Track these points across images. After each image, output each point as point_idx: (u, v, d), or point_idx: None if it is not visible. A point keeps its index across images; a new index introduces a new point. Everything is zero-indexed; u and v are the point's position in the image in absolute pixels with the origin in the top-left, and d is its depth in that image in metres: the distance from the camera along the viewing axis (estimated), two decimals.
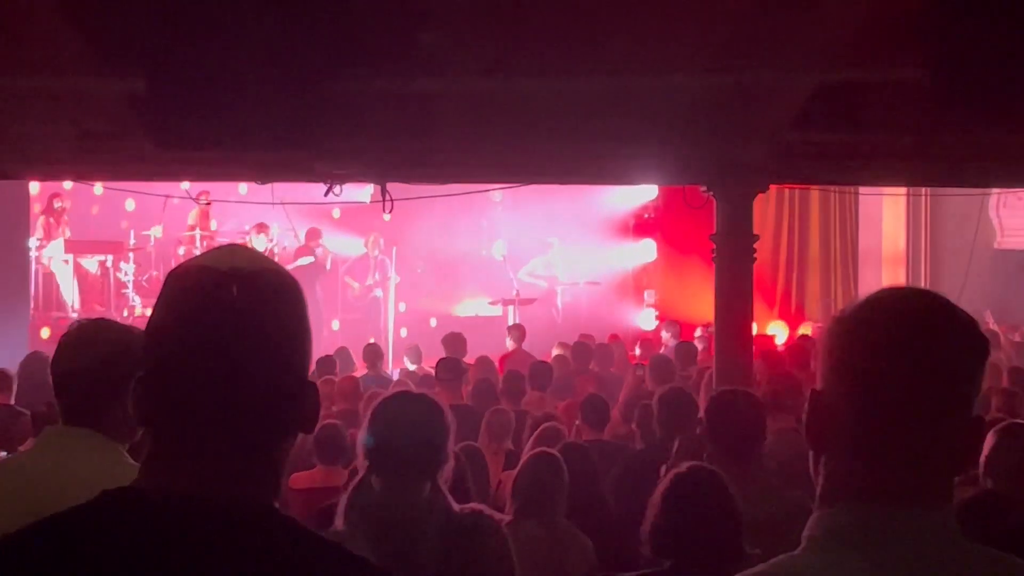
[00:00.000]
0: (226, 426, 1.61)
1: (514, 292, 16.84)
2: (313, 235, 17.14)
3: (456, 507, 3.42)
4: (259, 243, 15.78)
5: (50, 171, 8.82)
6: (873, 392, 1.69)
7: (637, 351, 13.78)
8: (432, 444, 3.43)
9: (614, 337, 15.07)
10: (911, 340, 1.69)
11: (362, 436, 3.51)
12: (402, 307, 17.92)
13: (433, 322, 18.18)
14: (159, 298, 1.68)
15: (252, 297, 1.63)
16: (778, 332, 16.86)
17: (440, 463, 3.44)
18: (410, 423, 3.44)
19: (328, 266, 17.14)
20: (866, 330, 1.73)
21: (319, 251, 17.01)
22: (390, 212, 8.16)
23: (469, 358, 11.98)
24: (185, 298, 1.64)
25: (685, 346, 11.82)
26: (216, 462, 1.61)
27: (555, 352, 12.36)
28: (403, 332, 17.08)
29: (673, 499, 3.79)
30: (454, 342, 12.18)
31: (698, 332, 13.26)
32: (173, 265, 1.77)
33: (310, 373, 1.76)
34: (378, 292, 17.10)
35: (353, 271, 17.85)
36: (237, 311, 1.62)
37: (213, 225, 17.09)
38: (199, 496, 1.58)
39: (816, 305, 18.50)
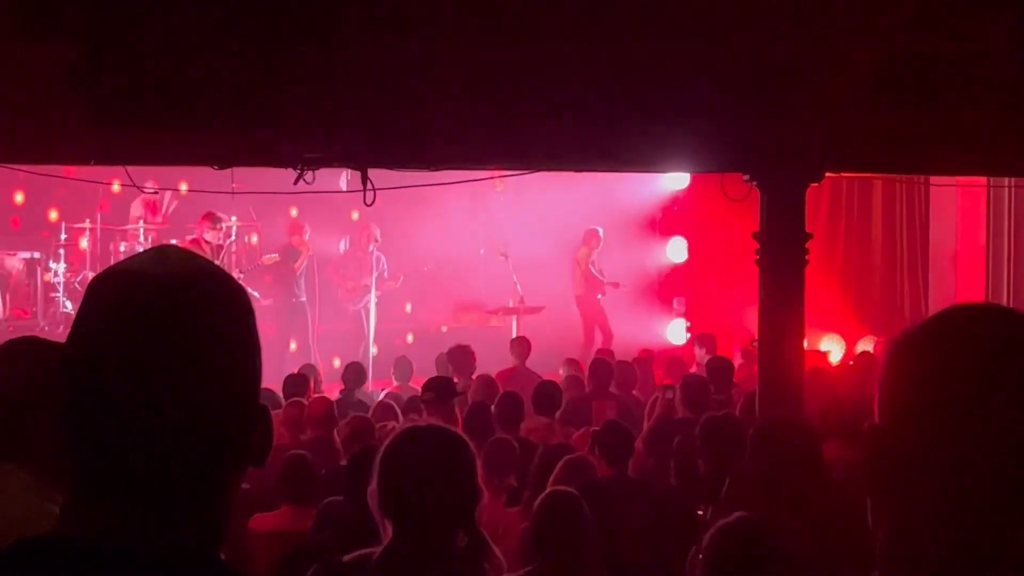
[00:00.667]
0: (158, 461, 1.60)
1: (518, 298, 16.81)
2: (295, 229, 17.08)
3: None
4: (211, 238, 15.75)
5: None
6: (942, 430, 1.66)
7: (664, 370, 13.77)
8: (460, 485, 3.43)
9: (644, 353, 15.04)
10: (988, 370, 1.66)
11: (374, 486, 3.47)
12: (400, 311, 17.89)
13: (409, 337, 18.15)
14: (79, 311, 1.67)
15: (186, 309, 1.62)
16: (833, 348, 16.83)
17: (473, 506, 3.45)
18: (431, 464, 3.43)
19: (301, 265, 17.04)
20: (934, 356, 1.70)
21: (302, 248, 16.94)
22: (371, 203, 8.13)
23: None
24: (106, 312, 1.63)
25: (719, 363, 11.75)
26: (148, 505, 1.60)
27: (561, 373, 12.34)
28: (374, 349, 16.99)
29: (718, 562, 3.75)
30: (461, 358, 12.15)
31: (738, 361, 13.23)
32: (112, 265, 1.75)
33: (262, 394, 1.75)
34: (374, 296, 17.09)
35: (343, 271, 17.70)
36: (167, 325, 1.61)
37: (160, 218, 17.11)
38: (128, 546, 1.57)
39: (879, 316, 18.47)
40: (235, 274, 15.79)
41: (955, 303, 1.82)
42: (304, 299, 16.82)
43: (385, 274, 17.15)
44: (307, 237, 17.17)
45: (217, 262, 15.13)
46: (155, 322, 1.60)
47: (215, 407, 1.63)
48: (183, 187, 14.59)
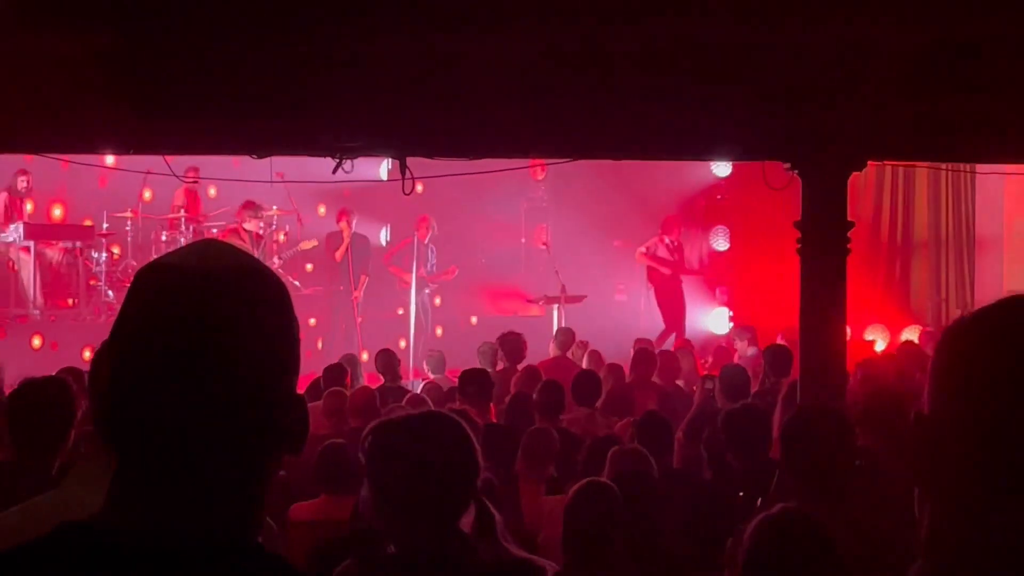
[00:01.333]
0: (197, 449, 1.65)
1: (560, 287, 16.78)
2: (342, 215, 16.99)
3: (501, 553, 3.33)
4: (251, 227, 15.80)
5: (3, 143, 8.86)
6: (995, 420, 1.64)
7: (709, 360, 13.77)
8: (452, 479, 3.30)
9: (682, 343, 15.03)
10: None
11: (366, 492, 3.37)
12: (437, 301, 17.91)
13: (439, 331, 18.13)
14: (124, 303, 1.74)
15: (227, 302, 1.69)
16: (877, 337, 16.75)
17: (464, 504, 3.31)
18: (421, 455, 3.29)
19: (341, 253, 17.01)
20: (988, 345, 1.68)
21: (345, 235, 16.86)
22: (410, 192, 8.16)
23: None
24: (149, 304, 1.70)
25: (777, 350, 11.52)
26: (188, 492, 1.65)
27: (584, 362, 12.33)
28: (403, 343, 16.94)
29: (761, 554, 3.72)
30: (512, 345, 12.15)
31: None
32: (154, 254, 1.82)
33: (304, 384, 1.79)
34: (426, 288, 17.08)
35: (399, 262, 17.61)
36: (209, 318, 1.67)
37: (203, 207, 17.18)
38: (168, 532, 1.62)
39: (924, 305, 18.36)
40: (275, 261, 15.86)
41: (1002, 292, 1.81)
42: (348, 287, 16.74)
43: (433, 268, 17.18)
44: (353, 224, 17.09)
45: (257, 252, 15.25)
46: (197, 315, 1.67)
47: (254, 397, 1.68)
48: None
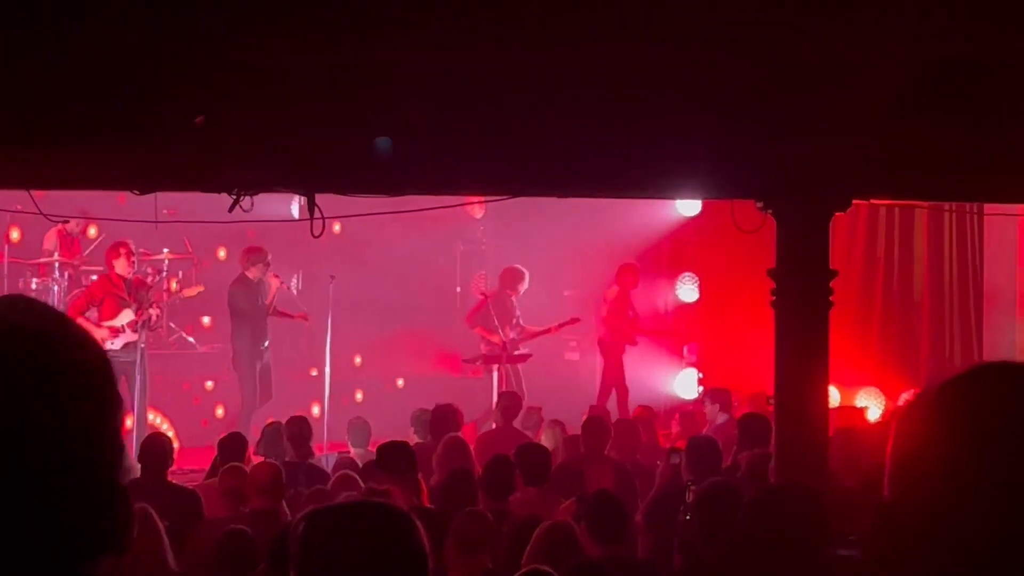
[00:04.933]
0: None
1: (501, 344, 16.73)
2: (251, 256, 16.18)
3: None
4: (123, 271, 15.46)
5: None
6: (957, 506, 1.65)
7: (673, 429, 13.77)
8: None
9: (643, 411, 15.03)
10: (1012, 438, 1.64)
11: None
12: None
13: (359, 395, 17.97)
14: None
15: (17, 370, 1.60)
16: (871, 404, 16.82)
17: None
18: (369, 557, 3.28)
19: (267, 300, 16.43)
20: (951, 421, 1.69)
21: (264, 278, 16.16)
22: (320, 234, 8.13)
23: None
24: None
25: (752, 421, 11.54)
26: None
27: (543, 439, 12.27)
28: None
29: None
30: (443, 419, 12.04)
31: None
32: None
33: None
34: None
35: (484, 320, 17.12)
36: None
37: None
38: None
39: (925, 366, 18.47)
40: (151, 313, 15.58)
41: (1014, 350, 1.82)
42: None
43: (521, 321, 17.01)
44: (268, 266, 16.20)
45: (136, 301, 15.05)
46: None
47: (59, 485, 1.61)
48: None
